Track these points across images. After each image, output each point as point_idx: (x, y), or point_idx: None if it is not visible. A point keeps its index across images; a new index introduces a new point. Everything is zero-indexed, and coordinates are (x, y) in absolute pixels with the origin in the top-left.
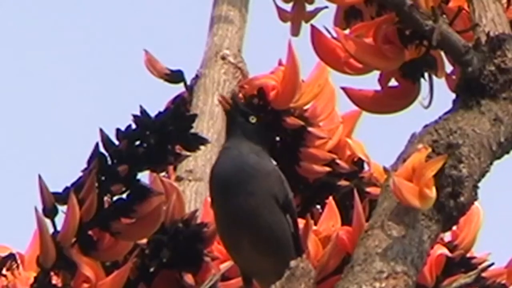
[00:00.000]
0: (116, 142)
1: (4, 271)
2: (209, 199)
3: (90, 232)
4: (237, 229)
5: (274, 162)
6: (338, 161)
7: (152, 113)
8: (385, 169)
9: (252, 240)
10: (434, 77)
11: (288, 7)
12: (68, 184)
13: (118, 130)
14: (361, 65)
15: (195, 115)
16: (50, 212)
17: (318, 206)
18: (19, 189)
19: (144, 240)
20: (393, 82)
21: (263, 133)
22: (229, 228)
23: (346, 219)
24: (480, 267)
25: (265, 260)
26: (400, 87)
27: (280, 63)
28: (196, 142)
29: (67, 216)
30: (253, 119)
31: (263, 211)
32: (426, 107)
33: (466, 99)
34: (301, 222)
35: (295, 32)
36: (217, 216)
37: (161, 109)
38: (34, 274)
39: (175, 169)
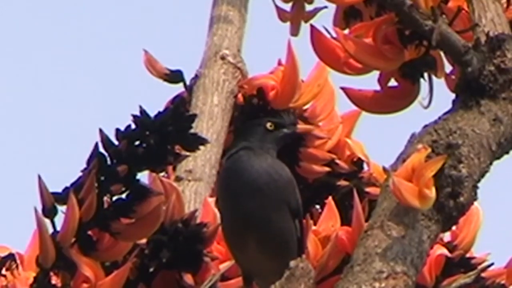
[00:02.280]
0: (116, 142)
1: (3, 271)
2: (209, 199)
3: (89, 232)
4: (247, 229)
5: None
6: (337, 161)
7: (152, 113)
8: (384, 169)
9: (260, 241)
10: (433, 77)
11: (287, 7)
12: (68, 184)
13: (117, 130)
14: (361, 65)
15: (194, 115)
16: (49, 212)
17: (318, 206)
18: (19, 189)
19: (144, 240)
20: (392, 82)
21: (279, 141)
22: (238, 227)
23: (345, 219)
24: (479, 267)
25: (269, 262)
26: (399, 87)
27: (279, 63)
28: (195, 142)
29: (66, 216)
30: (271, 126)
31: (276, 216)
32: (426, 107)
33: (466, 99)
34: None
35: (295, 32)
36: (226, 214)
37: (161, 109)
38: (34, 274)
39: (174, 169)
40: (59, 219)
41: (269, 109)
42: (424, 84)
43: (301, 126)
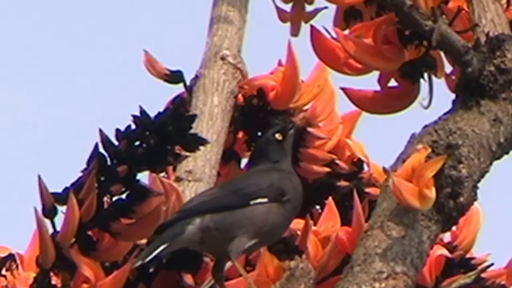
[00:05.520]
0: (116, 143)
1: (3, 272)
2: None
3: (89, 233)
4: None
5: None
6: (337, 161)
7: (152, 114)
8: (384, 170)
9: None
10: (433, 78)
11: (287, 7)
12: (68, 185)
13: (117, 130)
14: (361, 65)
15: (194, 116)
16: (49, 212)
17: (318, 207)
18: (19, 189)
19: (144, 241)
20: (392, 83)
21: (291, 144)
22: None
23: (345, 220)
24: (479, 267)
25: None
26: (399, 87)
27: (279, 64)
28: (195, 142)
29: (66, 217)
30: (280, 136)
31: None
32: (426, 108)
33: (466, 99)
34: (300, 223)
35: (295, 32)
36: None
37: (161, 110)
38: (34, 275)
39: (174, 169)
40: (59, 219)
41: (269, 109)
42: (424, 84)
43: (296, 119)
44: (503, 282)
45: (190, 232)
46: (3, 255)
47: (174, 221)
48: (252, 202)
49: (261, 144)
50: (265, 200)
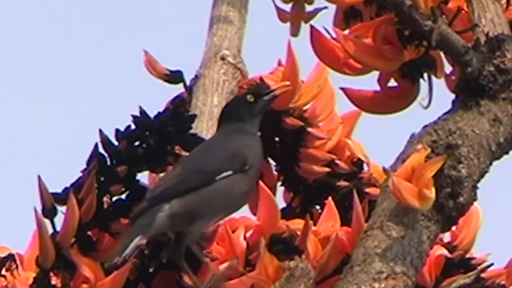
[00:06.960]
0: (116, 143)
1: (3, 272)
2: None
3: (89, 233)
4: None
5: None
6: (337, 161)
7: (152, 114)
8: (384, 170)
9: None
10: (433, 78)
11: (287, 7)
12: (68, 185)
13: (117, 130)
14: (361, 65)
15: (194, 116)
16: (49, 212)
17: (318, 207)
18: (18, 189)
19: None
20: (392, 83)
21: (263, 110)
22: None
23: (345, 220)
24: (479, 267)
25: None
26: (399, 87)
27: (279, 64)
28: (195, 142)
29: (66, 217)
30: (251, 98)
31: None
32: (426, 108)
33: (466, 99)
34: (300, 223)
35: (295, 32)
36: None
37: (161, 110)
38: (34, 275)
39: None
40: (59, 220)
41: (269, 109)
42: (423, 84)
43: (276, 86)
44: (503, 282)
45: (160, 220)
46: (3, 255)
47: (143, 210)
48: (217, 178)
49: (231, 104)
50: (230, 172)
